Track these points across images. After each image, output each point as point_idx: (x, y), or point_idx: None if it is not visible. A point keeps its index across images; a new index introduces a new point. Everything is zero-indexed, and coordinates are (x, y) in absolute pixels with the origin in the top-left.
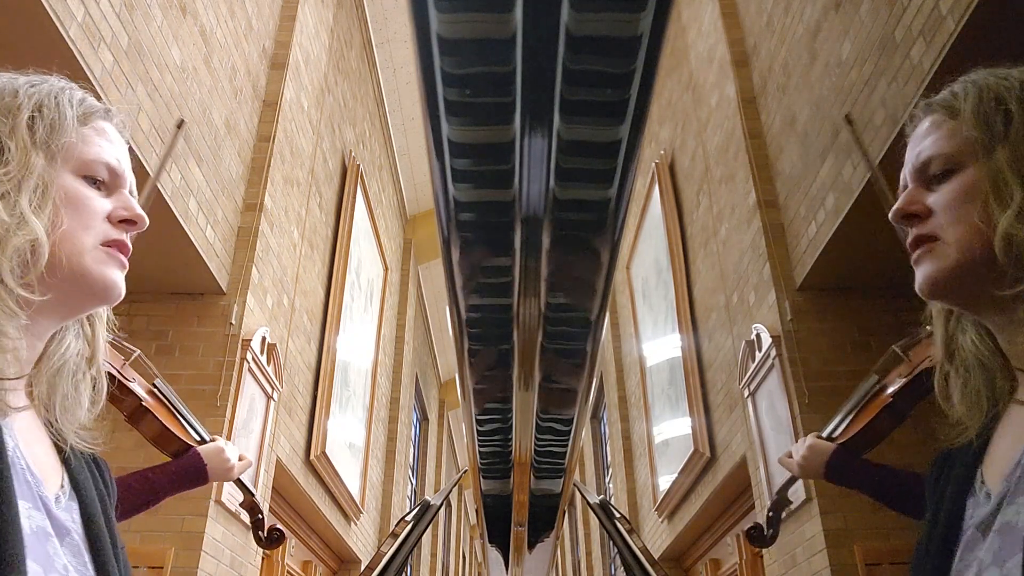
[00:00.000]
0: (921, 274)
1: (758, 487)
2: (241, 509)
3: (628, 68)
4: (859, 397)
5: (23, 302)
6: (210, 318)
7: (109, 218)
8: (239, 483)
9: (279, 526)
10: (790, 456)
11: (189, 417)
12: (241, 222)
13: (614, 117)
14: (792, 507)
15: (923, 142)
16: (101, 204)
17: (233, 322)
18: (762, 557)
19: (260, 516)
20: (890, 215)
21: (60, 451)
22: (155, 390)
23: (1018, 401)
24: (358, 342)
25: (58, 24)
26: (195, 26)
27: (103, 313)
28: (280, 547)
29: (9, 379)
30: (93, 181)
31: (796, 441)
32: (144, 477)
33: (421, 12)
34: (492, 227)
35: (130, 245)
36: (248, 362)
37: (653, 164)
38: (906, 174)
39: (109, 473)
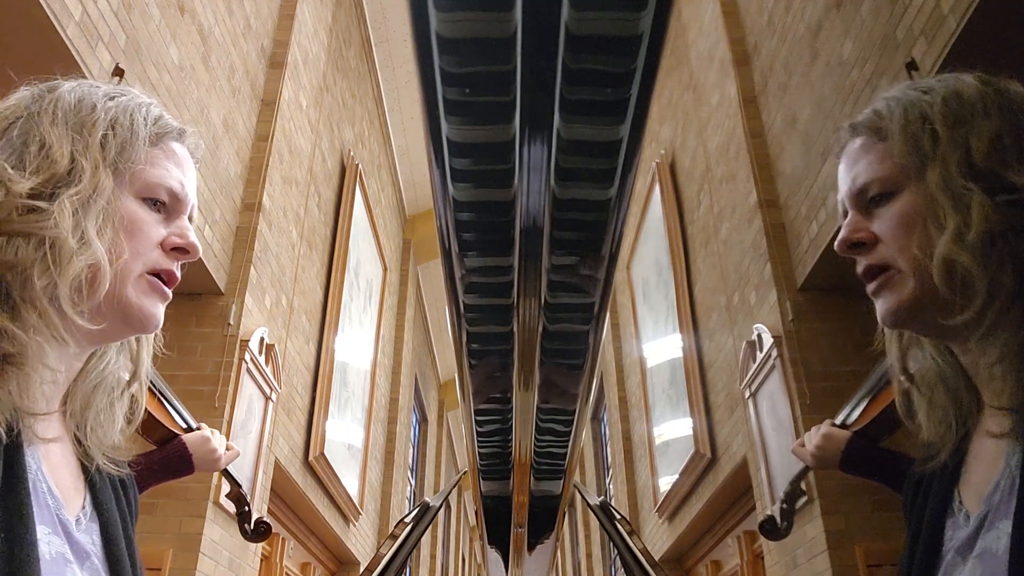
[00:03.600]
0: (882, 307)
1: (759, 488)
2: (227, 500)
3: (628, 67)
4: (874, 382)
5: (74, 329)
6: (208, 318)
7: (162, 245)
8: (225, 473)
9: (266, 518)
10: (803, 445)
11: (175, 403)
12: (239, 222)
13: (614, 117)
14: (804, 499)
15: (856, 167)
16: (156, 231)
17: (231, 322)
18: (763, 559)
19: (246, 508)
20: (836, 246)
21: (85, 469)
22: None
23: (986, 430)
24: (357, 342)
25: (56, 23)
26: (193, 25)
27: None
28: (266, 540)
29: (38, 414)
30: (153, 203)
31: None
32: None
33: (420, 11)
34: (492, 227)
35: (179, 274)
36: (246, 363)
37: (653, 164)
38: (843, 200)
39: (135, 492)
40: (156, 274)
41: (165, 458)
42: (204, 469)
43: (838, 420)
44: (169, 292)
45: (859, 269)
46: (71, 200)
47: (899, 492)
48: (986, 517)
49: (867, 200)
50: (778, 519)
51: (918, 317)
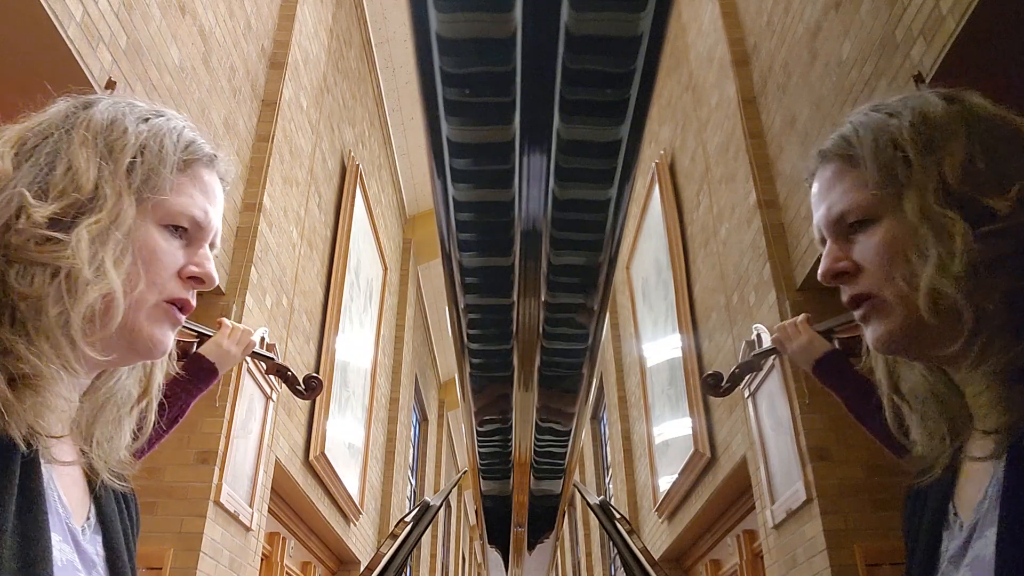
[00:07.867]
0: (872, 335)
1: (758, 487)
2: (270, 376)
3: (628, 68)
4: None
5: (85, 360)
6: (209, 318)
7: (179, 273)
8: (255, 355)
9: (314, 373)
10: (787, 334)
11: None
12: (240, 222)
13: (614, 117)
14: (762, 372)
15: (830, 195)
16: (175, 259)
17: None
18: (762, 558)
19: (289, 372)
20: (819, 276)
21: (90, 481)
22: None
23: (970, 455)
24: (357, 342)
25: (56, 24)
26: (194, 25)
27: None
28: (319, 394)
29: (55, 437)
30: (175, 228)
31: (795, 441)
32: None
33: (421, 11)
34: (492, 227)
35: (194, 303)
36: (247, 362)
37: (653, 164)
38: (820, 228)
39: (136, 508)
40: (171, 302)
41: (189, 372)
42: (228, 366)
43: (821, 328)
44: (183, 319)
45: (844, 299)
46: (89, 228)
47: (856, 413)
48: (976, 525)
49: (845, 227)
50: (724, 377)
51: (911, 345)
